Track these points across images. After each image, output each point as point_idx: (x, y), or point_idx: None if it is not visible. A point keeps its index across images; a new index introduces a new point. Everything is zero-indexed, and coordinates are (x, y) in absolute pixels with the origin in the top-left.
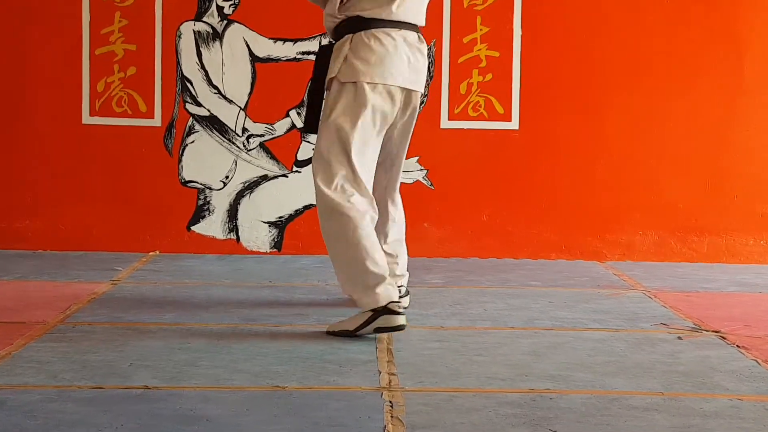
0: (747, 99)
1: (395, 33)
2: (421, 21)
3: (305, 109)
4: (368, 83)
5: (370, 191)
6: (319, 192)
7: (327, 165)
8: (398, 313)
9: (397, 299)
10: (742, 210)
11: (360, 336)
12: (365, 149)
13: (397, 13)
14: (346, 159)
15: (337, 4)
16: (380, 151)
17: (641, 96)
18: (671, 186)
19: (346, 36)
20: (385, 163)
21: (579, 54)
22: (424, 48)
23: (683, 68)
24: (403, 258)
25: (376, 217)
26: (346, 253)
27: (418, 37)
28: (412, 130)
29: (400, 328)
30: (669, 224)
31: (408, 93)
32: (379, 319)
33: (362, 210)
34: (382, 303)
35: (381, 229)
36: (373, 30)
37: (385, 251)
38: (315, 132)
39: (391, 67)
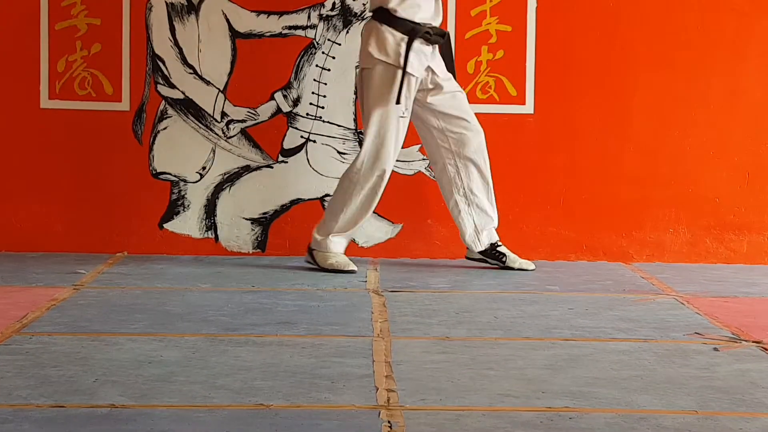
0: None
1: None
2: None
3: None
4: None
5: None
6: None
7: None
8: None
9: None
10: None
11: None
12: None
13: None
14: None
15: None
16: None
17: (673, 76)
18: (706, 178)
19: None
20: None
21: (602, 28)
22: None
23: (721, 44)
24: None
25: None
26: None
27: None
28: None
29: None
30: (704, 221)
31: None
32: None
33: None
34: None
35: None
36: None
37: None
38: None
39: None
